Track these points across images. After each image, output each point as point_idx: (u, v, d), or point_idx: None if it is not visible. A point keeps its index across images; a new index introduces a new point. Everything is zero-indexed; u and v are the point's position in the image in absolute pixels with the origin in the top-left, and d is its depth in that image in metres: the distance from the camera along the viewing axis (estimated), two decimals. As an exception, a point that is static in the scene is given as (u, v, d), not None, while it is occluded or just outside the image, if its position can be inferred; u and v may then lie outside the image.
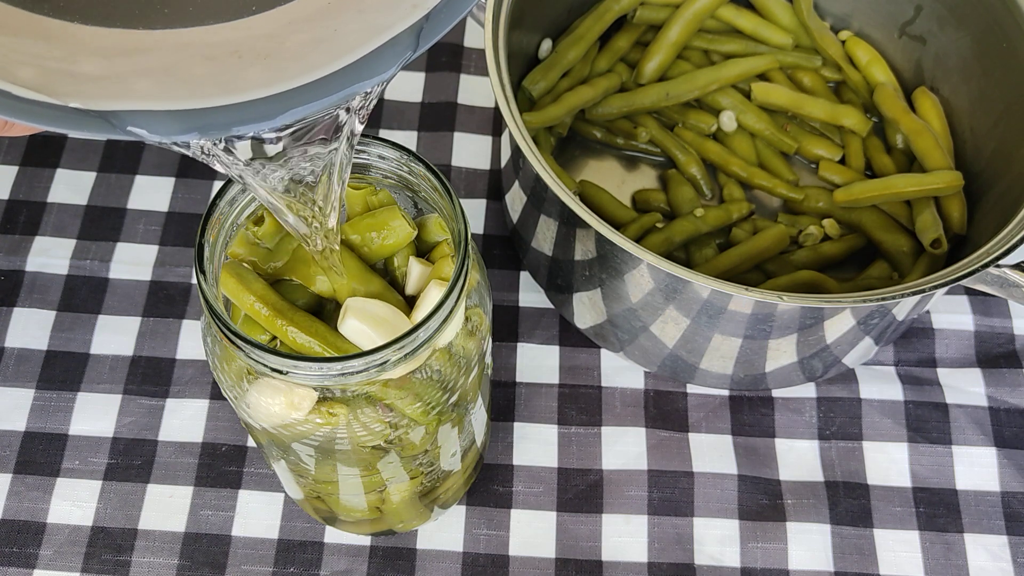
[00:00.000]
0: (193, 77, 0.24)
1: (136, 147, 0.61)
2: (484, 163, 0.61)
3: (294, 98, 0.24)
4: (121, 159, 0.60)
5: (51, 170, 0.60)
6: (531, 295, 0.56)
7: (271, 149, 0.29)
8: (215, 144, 0.28)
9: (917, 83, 0.60)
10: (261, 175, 0.29)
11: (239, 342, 0.32)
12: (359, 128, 0.30)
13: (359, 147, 0.36)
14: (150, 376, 0.53)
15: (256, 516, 0.50)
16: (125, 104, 0.23)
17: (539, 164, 0.44)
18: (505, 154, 0.54)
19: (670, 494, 0.51)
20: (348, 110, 0.29)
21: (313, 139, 0.29)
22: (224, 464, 0.51)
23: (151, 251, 0.57)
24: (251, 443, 0.51)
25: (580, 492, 0.51)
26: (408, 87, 0.64)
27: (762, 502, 0.51)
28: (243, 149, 0.29)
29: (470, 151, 0.61)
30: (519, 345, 0.55)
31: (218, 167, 0.29)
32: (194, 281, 0.56)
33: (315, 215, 0.31)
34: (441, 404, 0.37)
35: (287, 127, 0.28)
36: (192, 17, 0.25)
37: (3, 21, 0.24)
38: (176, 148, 0.27)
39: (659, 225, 0.55)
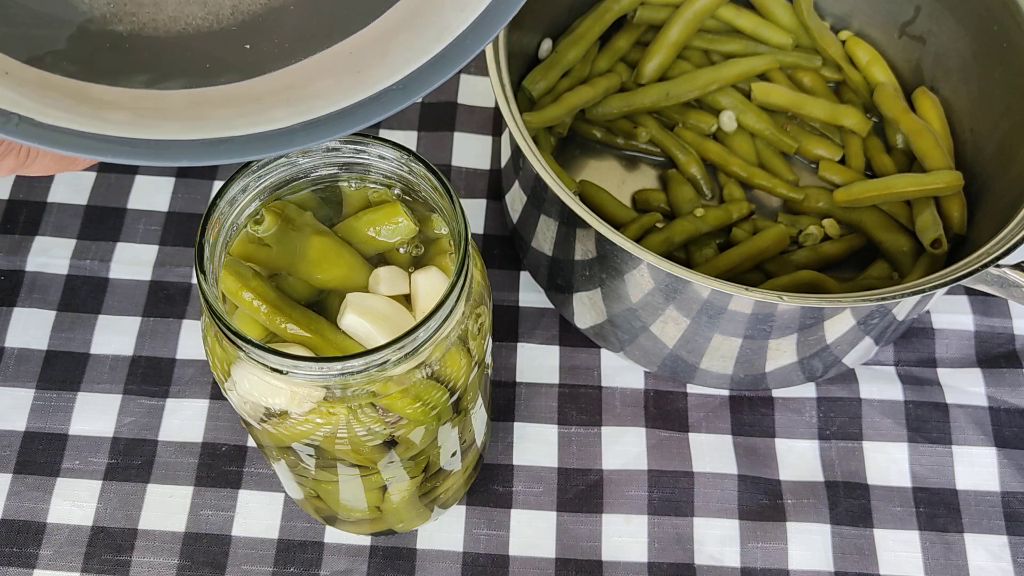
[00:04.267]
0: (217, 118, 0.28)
1: (136, 147, 0.61)
2: (484, 163, 0.61)
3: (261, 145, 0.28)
4: (121, 159, 0.60)
5: (51, 170, 0.60)
6: (531, 295, 0.56)
7: None
8: None
9: (917, 83, 0.60)
10: None
11: (239, 341, 0.32)
12: None
13: (359, 147, 0.36)
14: (150, 376, 0.53)
15: (256, 516, 0.50)
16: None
17: (539, 164, 0.44)
18: (505, 154, 0.54)
19: (670, 494, 0.51)
20: None
21: None
22: (224, 464, 0.51)
23: (151, 251, 0.57)
24: (251, 443, 0.51)
25: (580, 492, 0.51)
26: (408, 87, 0.63)
27: (762, 502, 0.51)
28: None
29: (470, 151, 0.61)
30: (519, 345, 0.55)
31: None
32: (194, 281, 0.56)
33: None
34: (441, 404, 0.37)
35: None
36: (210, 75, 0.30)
37: (36, 81, 0.27)
38: None
39: (659, 225, 0.55)
